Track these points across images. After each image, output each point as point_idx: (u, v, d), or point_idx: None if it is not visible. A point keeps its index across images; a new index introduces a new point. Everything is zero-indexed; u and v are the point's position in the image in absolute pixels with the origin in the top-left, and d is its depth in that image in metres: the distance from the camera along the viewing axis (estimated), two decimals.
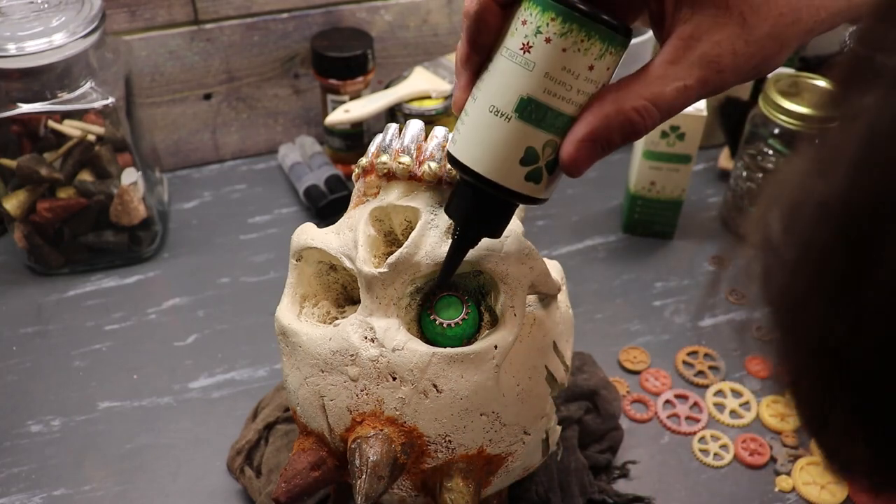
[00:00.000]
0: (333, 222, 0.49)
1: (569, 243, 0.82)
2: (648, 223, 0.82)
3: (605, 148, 0.37)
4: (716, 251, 0.82)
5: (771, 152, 0.77)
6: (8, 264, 0.80)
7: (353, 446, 0.44)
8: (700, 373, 0.70)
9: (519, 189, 0.39)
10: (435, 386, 0.44)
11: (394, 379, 0.44)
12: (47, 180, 0.73)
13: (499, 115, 0.37)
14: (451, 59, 0.86)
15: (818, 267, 0.23)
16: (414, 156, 0.47)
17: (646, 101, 0.36)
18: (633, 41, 0.65)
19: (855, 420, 0.23)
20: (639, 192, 0.80)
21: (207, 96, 0.88)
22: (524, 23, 0.36)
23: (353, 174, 0.50)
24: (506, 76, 0.37)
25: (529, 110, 0.37)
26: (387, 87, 0.85)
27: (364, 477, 0.42)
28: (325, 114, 0.86)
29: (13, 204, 0.74)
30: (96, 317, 0.75)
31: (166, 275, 0.79)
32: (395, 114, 0.83)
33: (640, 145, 0.78)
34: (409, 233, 0.45)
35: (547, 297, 0.49)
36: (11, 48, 0.67)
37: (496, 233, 0.42)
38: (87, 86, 0.71)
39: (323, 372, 0.46)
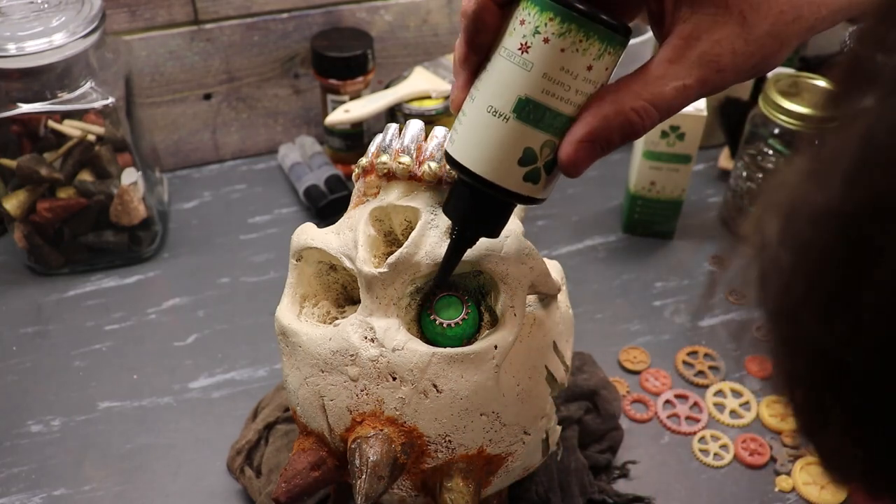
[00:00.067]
0: (333, 222, 0.49)
1: (569, 243, 0.82)
2: (648, 223, 0.82)
3: (604, 148, 0.37)
4: (716, 251, 0.82)
5: (771, 152, 0.77)
6: (8, 264, 0.80)
7: (353, 446, 0.44)
8: (700, 373, 0.70)
9: (517, 189, 0.39)
10: (435, 386, 0.44)
11: (394, 379, 0.44)
12: (47, 180, 0.73)
13: (497, 115, 0.37)
14: (451, 59, 0.86)
15: (817, 268, 0.23)
16: (414, 156, 0.47)
17: (645, 102, 0.36)
18: (633, 41, 0.64)
19: (854, 422, 0.23)
20: (639, 192, 0.80)
21: (207, 96, 0.88)
22: (522, 23, 0.36)
23: (353, 174, 0.49)
24: (504, 76, 0.37)
25: (528, 111, 0.37)
26: (387, 87, 0.85)
27: (364, 477, 0.42)
28: (325, 114, 0.86)
29: (13, 204, 0.74)
30: (96, 317, 0.75)
31: (166, 275, 0.79)
32: (395, 114, 0.83)
33: (640, 145, 0.78)
34: (409, 233, 0.45)
35: (547, 297, 0.49)
36: (11, 48, 0.67)
37: (494, 233, 0.42)
38: (87, 86, 0.71)
39: (323, 372, 0.46)
